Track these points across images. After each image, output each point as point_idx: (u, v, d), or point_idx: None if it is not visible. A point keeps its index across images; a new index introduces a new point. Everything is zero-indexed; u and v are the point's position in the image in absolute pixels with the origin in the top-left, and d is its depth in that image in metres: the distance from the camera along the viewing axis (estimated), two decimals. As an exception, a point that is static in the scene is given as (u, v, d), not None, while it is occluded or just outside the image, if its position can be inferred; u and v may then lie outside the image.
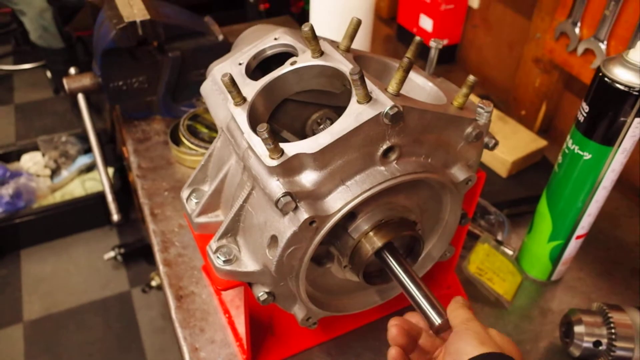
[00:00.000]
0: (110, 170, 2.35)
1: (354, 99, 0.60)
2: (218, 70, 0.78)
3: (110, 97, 1.24)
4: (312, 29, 0.65)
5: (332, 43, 0.69)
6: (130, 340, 1.99)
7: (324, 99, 0.75)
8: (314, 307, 0.71)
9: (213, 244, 0.67)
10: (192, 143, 1.16)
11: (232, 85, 0.64)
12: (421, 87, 0.74)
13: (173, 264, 0.98)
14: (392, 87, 0.60)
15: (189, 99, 1.32)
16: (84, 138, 2.48)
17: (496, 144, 0.72)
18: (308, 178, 0.60)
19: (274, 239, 0.62)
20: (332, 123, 0.78)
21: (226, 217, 0.67)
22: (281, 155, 0.58)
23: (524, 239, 0.99)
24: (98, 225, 2.33)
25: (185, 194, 0.74)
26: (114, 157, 2.43)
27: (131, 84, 1.24)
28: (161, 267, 0.98)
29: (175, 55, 1.22)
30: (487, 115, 0.72)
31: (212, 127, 1.21)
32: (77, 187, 2.32)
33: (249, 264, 0.66)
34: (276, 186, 0.59)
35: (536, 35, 1.23)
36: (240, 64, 0.77)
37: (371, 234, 0.65)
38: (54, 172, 2.43)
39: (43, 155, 2.44)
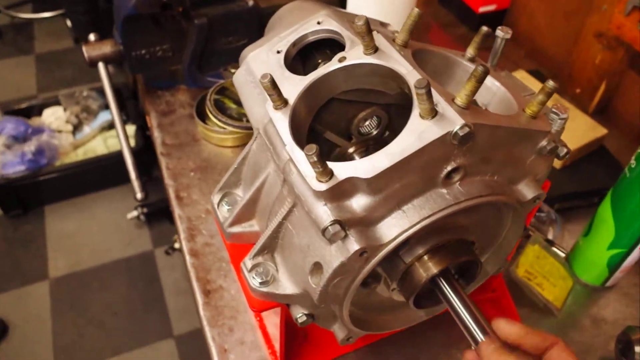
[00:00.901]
0: (132, 128, 2.29)
1: (415, 113, 0.51)
2: (253, 57, 0.69)
3: (132, 67, 1.16)
4: (366, 23, 0.55)
5: (387, 36, 0.60)
6: (153, 300, 2.00)
7: (372, 96, 0.66)
8: (356, 328, 0.65)
9: (248, 262, 0.61)
10: (219, 120, 1.08)
11: (272, 88, 0.56)
12: (487, 86, 0.64)
13: (200, 254, 0.93)
14: (461, 99, 0.51)
15: (216, 69, 1.23)
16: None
17: (567, 152, 0.63)
18: (359, 203, 0.52)
19: (317, 266, 0.55)
20: (379, 122, 0.70)
21: (263, 233, 0.61)
22: (330, 178, 0.50)
23: (578, 241, 0.91)
24: (121, 182, 2.29)
25: (216, 198, 0.68)
26: (136, 113, 2.36)
27: (154, 53, 1.16)
28: (188, 258, 0.93)
29: (201, 22, 1.12)
30: (562, 122, 0.63)
31: (240, 103, 1.12)
32: (99, 145, 2.28)
33: (287, 286, 0.60)
34: (323, 212, 0.51)
35: (602, 7, 1.10)
36: (278, 52, 0.68)
37: (425, 257, 0.58)
38: (76, 128, 2.38)
39: (65, 110, 2.38)
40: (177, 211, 1.00)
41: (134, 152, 1.96)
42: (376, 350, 0.83)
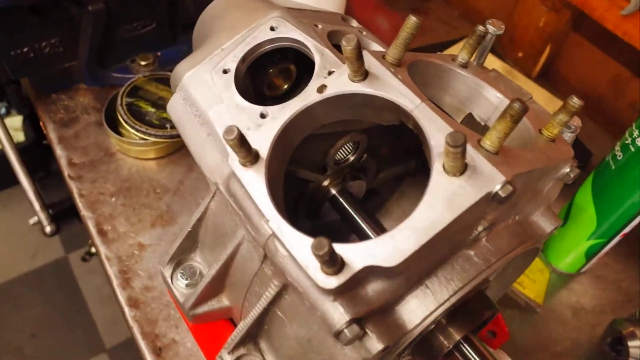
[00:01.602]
0: (19, 119, 1.97)
1: (437, 167, 0.40)
2: (191, 79, 0.53)
3: (13, 69, 0.92)
4: (357, 47, 0.41)
5: (375, 53, 0.46)
6: (75, 314, 1.79)
7: (353, 123, 0.54)
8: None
9: (227, 357, 0.48)
10: (138, 130, 0.90)
11: (240, 145, 0.41)
12: (484, 97, 0.53)
13: (141, 303, 0.78)
14: (491, 143, 0.40)
15: (121, 61, 1.02)
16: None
17: (578, 173, 0.55)
18: (376, 289, 0.41)
19: (324, 364, 0.44)
20: (357, 147, 0.58)
21: (243, 321, 0.48)
22: (341, 269, 0.38)
23: (553, 230, 0.86)
24: (16, 182, 1.99)
25: (168, 270, 0.53)
26: (19, 100, 2.02)
27: (40, 49, 0.92)
28: (127, 311, 0.77)
29: (97, 8, 0.90)
30: (573, 135, 0.54)
31: (160, 105, 0.94)
32: (-21, 142, 1.93)
33: (282, 380, 0.48)
34: (335, 311, 0.39)
35: (549, -35, 1.02)
36: (225, 71, 0.52)
37: (444, 322, 0.49)
38: (-55, 123, 2.00)
39: None
40: (102, 251, 0.83)
41: (25, 148, 1.68)
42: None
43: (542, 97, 0.97)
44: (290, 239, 0.40)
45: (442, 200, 0.39)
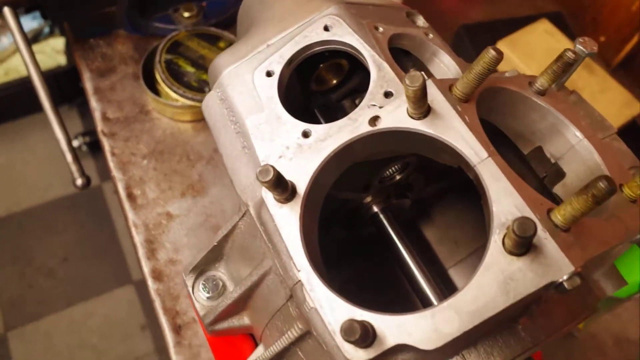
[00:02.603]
0: (61, 41, 1.94)
1: (495, 242, 0.34)
2: (231, 77, 0.48)
3: (51, 12, 0.88)
4: (422, 88, 0.35)
5: (442, 83, 0.40)
6: (106, 242, 1.83)
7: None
8: None
9: (242, 385, 0.46)
10: (174, 92, 0.85)
11: (276, 186, 0.37)
12: (563, 136, 0.46)
13: (165, 276, 0.77)
14: (564, 219, 0.34)
15: (163, 10, 0.96)
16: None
17: None
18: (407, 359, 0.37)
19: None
20: (406, 166, 0.52)
21: (263, 352, 0.45)
22: (372, 343, 0.34)
23: (604, 251, 0.80)
24: (56, 103, 1.99)
25: (190, 279, 0.50)
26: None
27: (80, -8, 0.87)
28: (150, 282, 0.76)
29: (140, -47, 0.84)
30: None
31: (200, 64, 0.88)
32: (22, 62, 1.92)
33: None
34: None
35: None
36: (269, 73, 0.47)
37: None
38: (-8, 39, 1.99)
39: (-27, 15, 1.97)
40: (130, 217, 0.81)
41: (67, 72, 1.65)
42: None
43: (621, 99, 0.88)
44: (320, 298, 0.36)
45: (496, 282, 0.34)
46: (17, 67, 1.94)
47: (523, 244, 0.32)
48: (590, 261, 0.36)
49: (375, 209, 0.54)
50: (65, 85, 1.94)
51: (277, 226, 0.38)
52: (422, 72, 0.36)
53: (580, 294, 0.43)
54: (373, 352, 0.34)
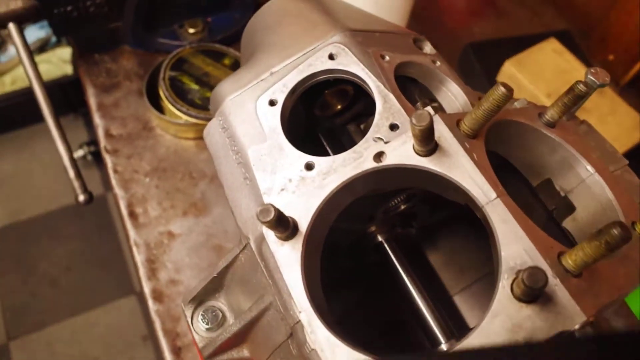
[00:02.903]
0: (67, 51, 1.94)
1: (505, 285, 0.33)
2: (233, 106, 0.47)
3: (56, 28, 0.88)
4: (429, 128, 0.34)
5: (449, 118, 0.39)
6: (110, 252, 1.83)
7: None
8: None
9: (241, 422, 0.45)
10: (178, 109, 0.85)
11: (277, 225, 0.36)
12: (574, 170, 0.45)
13: (165, 296, 0.76)
14: (574, 265, 0.33)
15: (168, 26, 0.95)
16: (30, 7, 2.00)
17: None
18: (412, 406, 0.36)
19: None
20: (410, 199, 0.51)
21: (261, 389, 0.44)
22: (375, 391, 0.33)
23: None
24: (61, 113, 1.99)
25: (189, 310, 0.49)
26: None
27: (85, 8, 0.87)
28: (150, 303, 0.75)
29: (146, -30, 0.83)
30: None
31: (204, 82, 0.88)
32: (29, 71, 1.92)
33: None
34: None
35: (664, -35, 0.88)
36: (272, 103, 0.46)
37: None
38: (-1, 48, 2.00)
39: (-19, 23, 1.98)
40: (132, 235, 0.80)
41: (73, 82, 1.65)
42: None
43: (630, 121, 0.86)
44: (321, 340, 0.35)
45: (504, 330, 0.32)
46: (24, 76, 1.94)
47: (533, 293, 0.31)
48: (603, 308, 0.34)
49: (380, 238, 0.53)
50: (71, 95, 1.95)
51: (278, 264, 0.37)
52: (430, 109, 0.35)
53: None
54: (376, 400, 0.33)
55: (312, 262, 0.39)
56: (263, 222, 0.35)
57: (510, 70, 0.90)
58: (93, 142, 1.95)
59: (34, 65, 0.89)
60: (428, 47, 0.53)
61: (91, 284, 1.76)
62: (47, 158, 1.99)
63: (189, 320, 0.49)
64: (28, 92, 1.92)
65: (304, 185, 0.41)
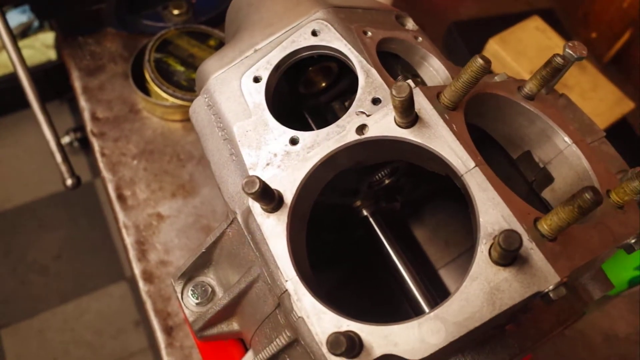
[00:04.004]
0: (50, 36, 1.92)
1: (482, 252, 0.34)
2: (218, 83, 0.48)
3: (37, 9, 0.87)
4: (408, 99, 0.35)
5: (429, 91, 0.40)
6: (99, 238, 1.83)
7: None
8: None
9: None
10: (164, 91, 0.85)
11: (262, 197, 0.37)
12: (552, 141, 0.46)
13: (155, 277, 0.77)
14: (550, 229, 0.34)
15: (152, 7, 0.95)
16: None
17: None
18: (396, 368, 0.37)
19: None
20: (395, 169, 0.52)
21: (254, 358, 0.45)
22: (359, 354, 0.34)
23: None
24: (44, 100, 1.97)
25: (179, 285, 0.50)
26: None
27: (67, -10, 0.86)
28: (141, 284, 0.76)
29: (128, -49, 0.83)
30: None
31: (190, 63, 0.88)
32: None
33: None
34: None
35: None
36: (257, 79, 0.46)
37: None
38: (-20, 33, 1.96)
39: (-39, 9, 1.94)
40: (121, 218, 0.81)
41: (57, 67, 1.65)
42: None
43: (611, 97, 0.88)
44: (307, 307, 0.36)
45: (482, 292, 0.34)
46: (6, 62, 1.92)
47: (509, 256, 0.32)
48: (577, 270, 0.36)
49: (365, 212, 0.54)
50: (55, 81, 1.92)
51: (264, 236, 0.38)
52: (410, 82, 0.36)
53: (567, 300, 0.44)
54: (361, 362, 0.34)
55: (298, 234, 0.40)
56: (248, 194, 0.35)
57: (494, 48, 0.91)
58: (79, 128, 1.93)
59: (18, 50, 0.89)
60: (410, 24, 0.53)
61: (81, 271, 1.76)
62: (32, 145, 1.97)
63: (179, 295, 0.50)
64: (11, 79, 1.90)
65: (288, 159, 0.42)
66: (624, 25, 0.99)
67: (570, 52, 0.47)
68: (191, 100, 0.85)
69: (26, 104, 1.98)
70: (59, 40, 0.95)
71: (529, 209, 0.36)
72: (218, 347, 0.52)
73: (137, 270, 0.76)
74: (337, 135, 0.40)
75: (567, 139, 0.46)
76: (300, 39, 0.47)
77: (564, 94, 0.54)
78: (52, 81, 1.96)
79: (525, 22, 0.95)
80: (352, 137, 0.40)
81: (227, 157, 0.45)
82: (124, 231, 0.79)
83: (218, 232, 0.46)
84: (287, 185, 0.39)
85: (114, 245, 1.81)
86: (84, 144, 1.96)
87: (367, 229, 0.55)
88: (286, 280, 0.37)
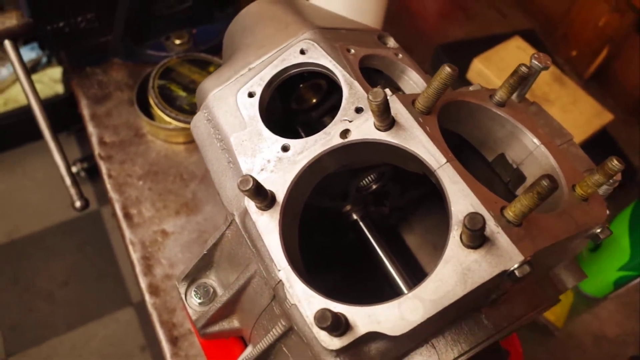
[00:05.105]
0: (58, 71, 1.99)
1: (454, 237, 0.38)
2: (216, 100, 0.52)
3: (49, 43, 0.93)
4: (383, 103, 0.40)
5: (405, 98, 0.44)
6: (105, 265, 1.86)
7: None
8: None
9: (233, 383, 0.49)
10: (167, 115, 0.90)
11: (256, 194, 0.41)
12: (522, 143, 0.51)
13: (161, 290, 0.80)
14: (515, 215, 0.38)
15: (156, 38, 1.01)
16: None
17: (610, 235, 0.51)
18: (379, 348, 0.41)
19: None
20: (381, 176, 0.56)
21: (250, 351, 0.49)
22: (345, 332, 0.38)
23: (582, 253, 0.84)
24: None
25: (183, 287, 0.54)
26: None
27: (76, 24, 0.92)
28: (147, 297, 0.79)
29: (133, -14, 0.89)
30: (611, 188, 0.51)
31: (191, 89, 0.93)
32: (21, 92, 1.97)
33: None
34: (337, 369, 0.39)
35: (614, -36, 0.94)
36: (251, 95, 0.51)
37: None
38: (-10, 70, 2.04)
39: (-28, 48, 2.03)
40: (127, 235, 0.85)
41: (64, 100, 1.70)
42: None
43: (591, 110, 0.92)
44: (299, 293, 0.40)
45: (455, 273, 0.37)
46: (16, 96, 1.99)
47: (476, 236, 0.36)
48: (542, 253, 0.39)
49: (355, 216, 0.58)
50: (62, 113, 1.99)
51: (259, 231, 0.42)
52: (386, 89, 0.40)
53: (540, 285, 0.47)
54: (346, 339, 0.38)
55: (290, 230, 0.44)
56: (243, 191, 0.40)
57: (478, 67, 0.96)
58: (85, 158, 1.99)
59: (29, 78, 0.94)
60: (391, 42, 0.58)
61: (88, 298, 1.79)
62: (39, 176, 2.02)
63: (183, 296, 0.54)
64: (20, 113, 1.97)
65: (280, 164, 0.47)
66: (601, 43, 1.04)
67: (536, 63, 0.52)
68: (193, 123, 0.91)
69: (33, 137, 2.06)
70: (68, 71, 1.01)
71: (496, 199, 0.40)
72: (220, 345, 0.56)
73: (143, 284, 0.80)
74: (324, 140, 0.45)
75: (535, 140, 0.50)
76: (290, 57, 0.52)
77: (535, 102, 0.58)
78: (59, 113, 2.03)
79: (507, 42, 1.00)
80: (337, 140, 0.44)
81: (225, 165, 0.50)
82: (130, 248, 0.83)
83: (218, 235, 0.50)
84: (279, 186, 0.44)
85: (120, 272, 1.85)
86: (90, 174, 2.02)
87: (357, 232, 0.58)
88: (279, 270, 0.41)
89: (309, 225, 0.55)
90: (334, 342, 0.38)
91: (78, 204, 1.01)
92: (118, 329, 1.75)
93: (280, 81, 0.52)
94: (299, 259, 0.44)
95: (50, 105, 2.03)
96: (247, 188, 0.39)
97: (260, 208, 0.43)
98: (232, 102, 0.51)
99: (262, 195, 0.41)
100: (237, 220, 0.47)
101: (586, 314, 0.85)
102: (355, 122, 0.44)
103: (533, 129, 0.51)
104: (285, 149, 0.47)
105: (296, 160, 0.45)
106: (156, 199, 0.88)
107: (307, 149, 0.46)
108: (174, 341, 0.76)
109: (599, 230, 0.47)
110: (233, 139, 0.50)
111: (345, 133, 0.44)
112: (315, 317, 0.35)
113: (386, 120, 0.42)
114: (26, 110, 1.94)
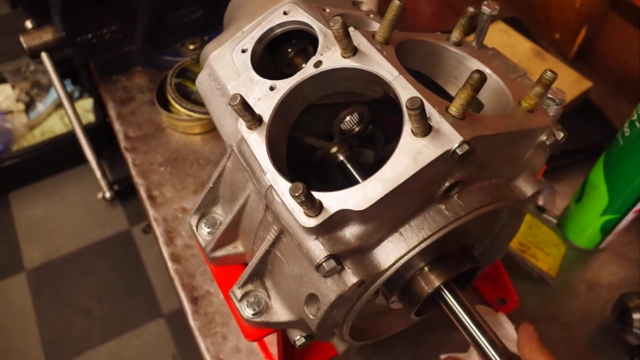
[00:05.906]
0: (89, 102, 2.16)
1: (407, 130, 0.46)
2: (216, 58, 0.62)
3: (79, 54, 1.06)
4: (343, 26, 0.48)
5: (367, 33, 0.53)
6: (137, 280, 1.96)
7: (352, 95, 0.60)
8: (356, 342, 0.62)
9: (237, 291, 0.57)
10: (184, 107, 1.00)
11: (244, 110, 0.50)
12: (475, 74, 0.58)
13: (182, 258, 0.88)
14: (456, 109, 0.46)
15: (172, 46, 1.13)
16: (57, 63, 2.24)
17: (564, 136, 0.58)
18: (353, 232, 0.48)
19: (313, 297, 0.51)
20: (361, 119, 0.65)
21: (250, 256, 0.56)
22: (319, 212, 0.45)
23: (569, 206, 0.89)
24: (86, 160, 2.19)
25: (194, 220, 0.62)
26: (91, 83, 2.22)
27: (102, 36, 1.05)
28: (169, 264, 0.88)
29: (150, -2, 1.02)
30: (558, 108, 0.58)
31: (205, 85, 1.04)
32: (57, 123, 2.15)
33: (282, 313, 0.57)
34: (316, 247, 0.47)
35: (582, -53, 1.03)
36: (243, 50, 0.61)
37: (426, 269, 0.55)
38: (29, 107, 2.23)
39: (12, 87, 2.22)
40: (151, 213, 0.94)
41: (95, 128, 1.84)
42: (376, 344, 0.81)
43: (570, 78, 0.99)
44: (282, 188, 0.48)
45: (408, 157, 0.45)
46: (52, 127, 2.16)
47: (418, 119, 0.43)
48: (484, 142, 0.47)
49: (341, 157, 0.66)
50: (95, 140, 2.14)
51: (249, 144, 0.51)
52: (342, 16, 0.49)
53: (498, 187, 0.54)
54: (321, 218, 0.45)
55: (277, 148, 0.53)
56: (232, 106, 0.48)
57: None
58: (117, 182, 2.12)
59: (64, 88, 1.07)
60: (365, 7, 0.68)
61: (121, 311, 1.89)
62: (74, 202, 2.16)
63: (195, 229, 0.62)
64: (56, 142, 2.12)
65: (267, 97, 0.55)
66: (579, 23, 1.11)
67: (485, 7, 0.60)
68: (207, 114, 1.01)
69: (66, 166, 2.21)
70: (96, 79, 1.14)
71: (442, 101, 0.48)
72: (228, 271, 0.63)
73: (166, 254, 0.89)
74: (303, 74, 0.54)
75: (487, 70, 0.58)
76: (274, 19, 0.61)
77: (494, 47, 0.66)
78: (91, 140, 2.19)
79: (491, 26, 1.09)
80: (311, 71, 0.53)
81: (224, 107, 0.59)
82: (154, 224, 0.92)
83: (220, 167, 0.59)
84: (265, 110, 0.52)
85: (151, 286, 1.94)
86: (121, 197, 2.14)
87: (344, 172, 0.66)
88: (265, 173, 0.49)
89: (300, 165, 0.64)
90: (311, 221, 0.45)
91: (108, 194, 1.12)
92: (150, 339, 1.83)
93: (268, 39, 0.62)
94: (285, 168, 0.52)
95: (85, 133, 2.20)
96: (235, 103, 0.48)
97: (250, 127, 0.51)
98: (228, 58, 0.61)
99: (250, 112, 0.50)
100: (235, 148, 0.56)
101: (580, 265, 0.89)
102: (325, 55, 0.53)
103: (486, 62, 0.59)
104: (272, 88, 0.56)
105: (280, 92, 0.53)
106: (176, 182, 0.97)
107: (289, 82, 0.55)
108: (194, 301, 0.84)
109: (544, 138, 0.54)
110: (230, 86, 0.59)
111: (318, 64, 0.53)
112: (289, 189, 0.43)
113: (349, 46, 0.50)
114: (62, 138, 2.10)
